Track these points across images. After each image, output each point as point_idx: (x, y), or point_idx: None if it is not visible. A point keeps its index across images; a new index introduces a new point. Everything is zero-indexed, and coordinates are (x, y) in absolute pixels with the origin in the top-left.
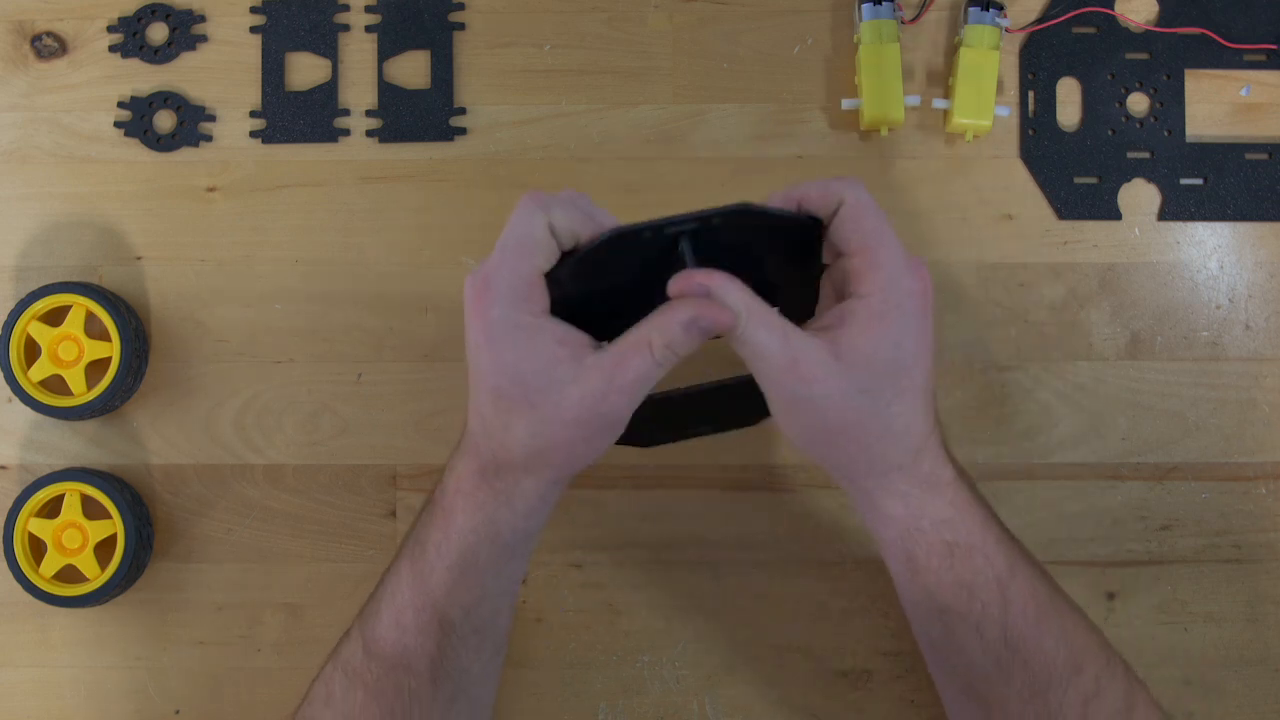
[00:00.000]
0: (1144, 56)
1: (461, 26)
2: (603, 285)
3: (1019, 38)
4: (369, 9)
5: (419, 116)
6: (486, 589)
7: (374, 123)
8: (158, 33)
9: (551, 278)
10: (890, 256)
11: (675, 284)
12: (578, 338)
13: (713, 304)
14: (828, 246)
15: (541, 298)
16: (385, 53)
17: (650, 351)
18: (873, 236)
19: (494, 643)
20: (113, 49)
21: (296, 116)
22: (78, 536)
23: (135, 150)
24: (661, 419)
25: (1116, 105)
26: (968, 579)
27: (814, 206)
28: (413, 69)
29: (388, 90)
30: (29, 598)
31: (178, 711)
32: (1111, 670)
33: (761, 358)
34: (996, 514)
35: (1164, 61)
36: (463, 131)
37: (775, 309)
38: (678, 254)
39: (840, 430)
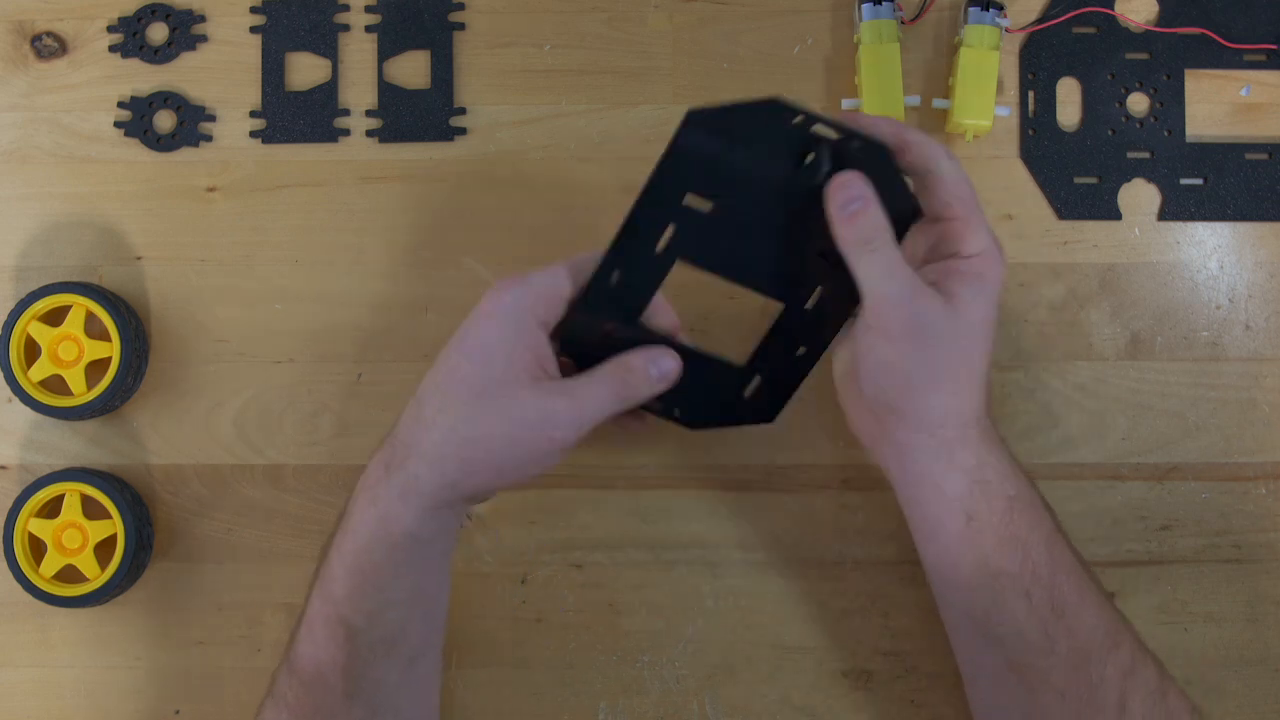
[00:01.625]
0: (1144, 56)
1: (461, 26)
2: (724, 177)
3: (1019, 38)
4: (369, 9)
5: (419, 116)
6: (387, 596)
7: (374, 123)
8: (158, 33)
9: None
10: (987, 226)
11: (841, 182)
12: (556, 367)
13: (668, 363)
14: (926, 206)
15: (553, 320)
16: (385, 53)
17: (606, 385)
18: (974, 206)
19: (408, 653)
20: (113, 49)
21: (296, 116)
22: (78, 536)
23: (135, 150)
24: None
25: (1116, 105)
26: (1023, 535)
27: (913, 156)
28: (413, 69)
29: (388, 90)
30: (29, 598)
31: (178, 711)
32: (1144, 650)
33: (890, 278)
34: None
35: (1164, 61)
36: (463, 131)
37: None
38: (804, 178)
39: (948, 368)
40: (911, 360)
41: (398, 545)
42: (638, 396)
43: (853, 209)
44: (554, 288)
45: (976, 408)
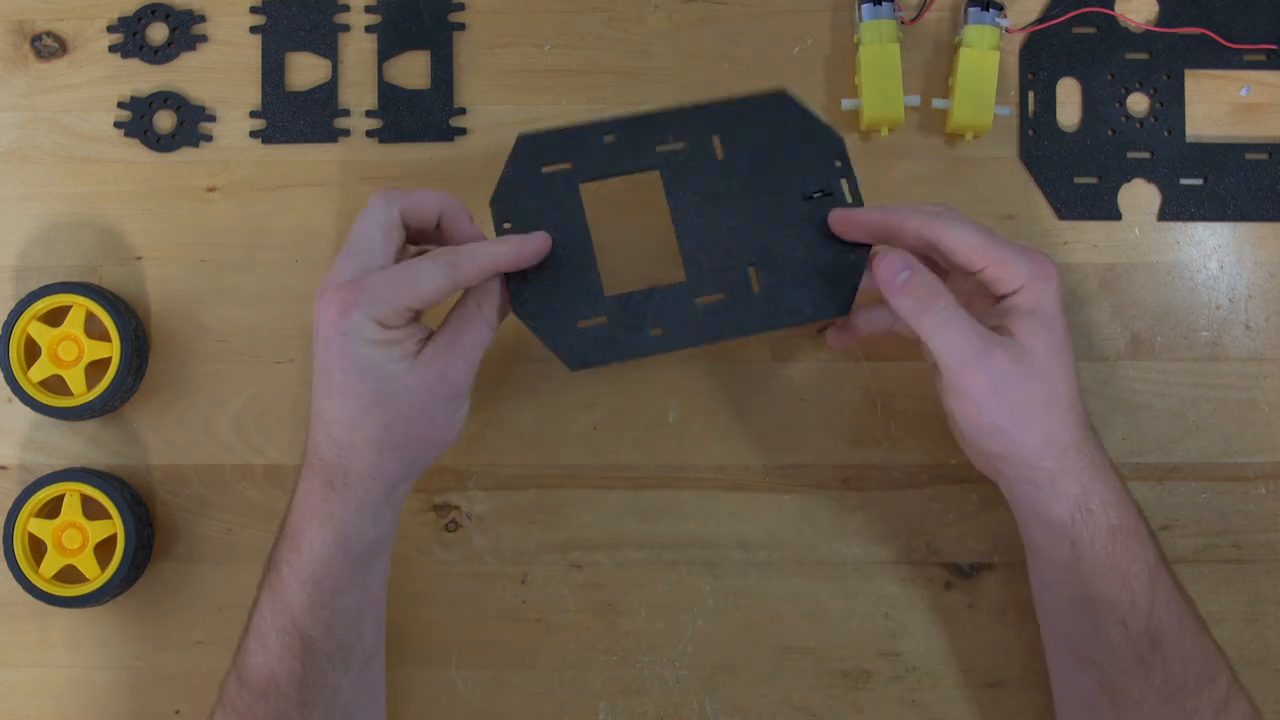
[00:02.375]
0: (1144, 56)
1: (461, 26)
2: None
3: (1019, 38)
4: (369, 9)
5: (419, 116)
6: (344, 604)
7: (374, 123)
8: (158, 33)
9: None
10: (1016, 255)
11: (882, 260)
12: (420, 332)
13: (525, 243)
14: (956, 265)
15: (387, 308)
16: (385, 53)
17: (480, 314)
18: (996, 245)
19: (362, 656)
20: (113, 49)
21: (296, 116)
22: (78, 536)
23: (135, 150)
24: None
25: (1116, 105)
26: (1124, 565)
27: (912, 236)
28: (413, 69)
29: (388, 90)
30: (29, 598)
31: (178, 711)
32: (1239, 686)
33: (962, 340)
34: None
35: (1164, 61)
36: (463, 131)
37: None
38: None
39: (1035, 407)
40: (998, 413)
41: (355, 555)
42: (502, 313)
43: (902, 279)
44: (384, 288)
45: (1072, 431)
